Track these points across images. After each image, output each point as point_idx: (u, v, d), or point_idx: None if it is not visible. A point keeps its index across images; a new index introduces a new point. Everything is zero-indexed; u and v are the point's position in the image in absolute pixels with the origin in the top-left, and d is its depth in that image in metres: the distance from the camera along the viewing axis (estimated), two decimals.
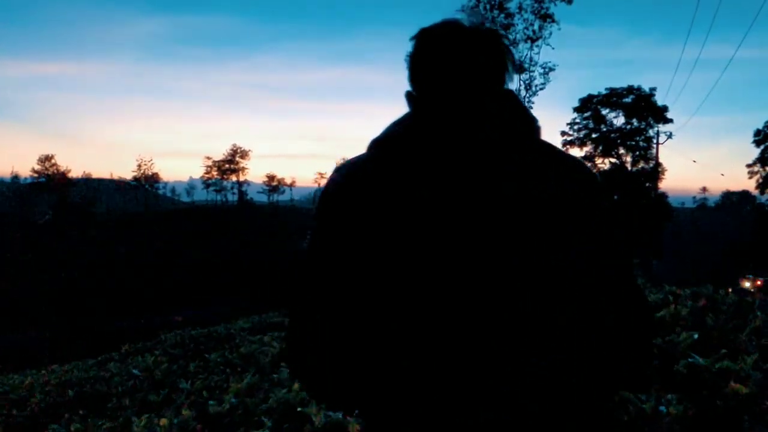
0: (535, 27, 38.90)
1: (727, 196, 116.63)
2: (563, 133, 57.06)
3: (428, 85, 1.12)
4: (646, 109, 51.52)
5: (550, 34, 38.95)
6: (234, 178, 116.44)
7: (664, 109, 51.09)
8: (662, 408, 2.60)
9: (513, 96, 1.15)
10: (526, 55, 38.92)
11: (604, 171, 50.13)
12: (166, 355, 8.04)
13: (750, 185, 71.08)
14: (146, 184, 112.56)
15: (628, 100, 51.78)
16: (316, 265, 1.11)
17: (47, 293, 45.22)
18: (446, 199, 1.03)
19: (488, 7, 38.97)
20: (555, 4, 38.62)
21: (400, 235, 1.03)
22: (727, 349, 3.33)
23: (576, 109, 59.27)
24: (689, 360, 3.01)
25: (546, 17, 39.83)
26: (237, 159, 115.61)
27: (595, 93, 55.64)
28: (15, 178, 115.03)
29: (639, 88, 51.73)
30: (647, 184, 50.67)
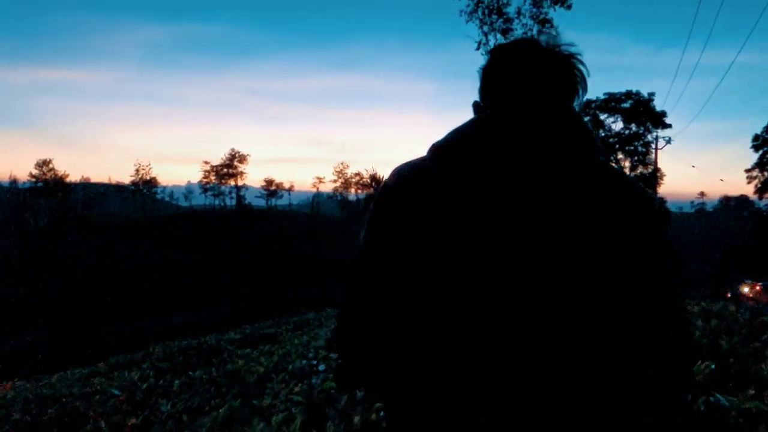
0: (534, 32, 38.98)
1: (726, 201, 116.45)
2: None
3: (495, 98, 1.15)
4: (644, 114, 51.46)
5: None
6: (232, 183, 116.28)
7: (663, 114, 51.03)
8: None
9: (576, 115, 1.16)
10: None
11: None
12: (153, 369, 7.78)
13: (748, 190, 71.04)
14: (144, 189, 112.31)
15: (626, 105, 51.74)
16: (369, 259, 1.14)
17: (44, 298, 44.93)
18: (494, 208, 1.05)
19: (486, 11, 39.05)
20: (554, 9, 38.74)
21: (448, 238, 1.05)
22: (748, 381, 3.04)
23: None
24: (710, 398, 2.72)
25: (545, 22, 39.84)
26: (235, 163, 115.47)
27: (594, 98, 55.62)
28: (13, 182, 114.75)
29: (637, 93, 51.69)
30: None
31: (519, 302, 1.01)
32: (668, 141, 49.51)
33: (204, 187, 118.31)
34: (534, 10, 40.66)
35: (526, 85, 1.12)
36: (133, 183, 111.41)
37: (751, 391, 2.94)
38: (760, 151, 69.08)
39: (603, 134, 51.95)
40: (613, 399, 1.03)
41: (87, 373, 9.29)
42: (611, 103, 51.92)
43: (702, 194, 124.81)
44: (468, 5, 40.71)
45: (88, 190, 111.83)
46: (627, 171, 51.23)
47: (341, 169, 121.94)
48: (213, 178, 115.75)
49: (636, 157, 51.46)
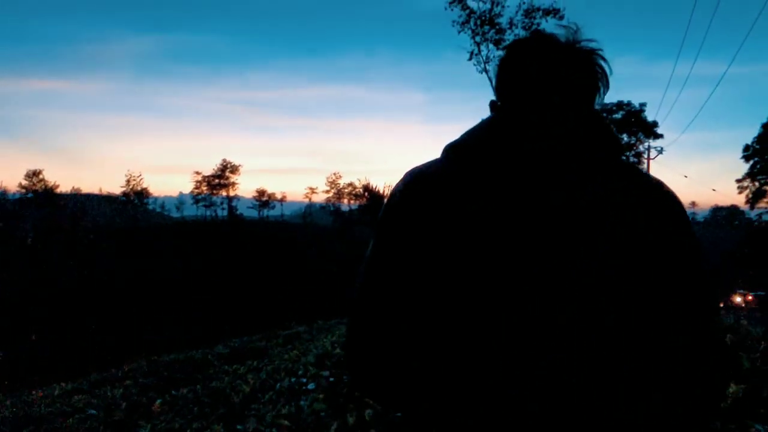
0: None
1: (716, 211, 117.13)
2: None
3: (514, 95, 1.11)
4: (636, 124, 51.69)
5: None
6: (224, 194, 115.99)
7: (654, 124, 51.27)
8: None
9: (601, 117, 1.12)
10: None
11: None
12: (136, 386, 7.50)
13: (739, 200, 71.41)
14: (135, 200, 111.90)
15: (617, 115, 51.93)
16: (380, 267, 1.10)
17: (32, 310, 44.34)
18: (497, 208, 1.03)
19: (479, 22, 39.12)
20: (546, 20, 38.83)
21: (460, 241, 1.03)
22: None
23: None
24: (749, 428, 2.44)
25: (539, 31, 39.81)
26: (227, 174, 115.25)
27: None
28: (3, 193, 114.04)
29: (629, 104, 51.94)
30: None
31: (519, 301, 1.00)
32: (660, 151, 49.77)
33: (195, 198, 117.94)
34: (526, 20, 40.57)
35: (536, 82, 1.08)
36: (124, 194, 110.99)
37: None
38: (751, 162, 69.50)
39: None
40: (613, 400, 1.00)
41: (70, 389, 8.98)
42: (602, 113, 51.94)
43: (693, 204, 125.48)
44: (460, 16, 40.33)
45: (78, 200, 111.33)
46: None
47: (334, 180, 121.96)
48: (204, 188, 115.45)
49: None
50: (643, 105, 51.92)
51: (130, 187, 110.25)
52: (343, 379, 4.69)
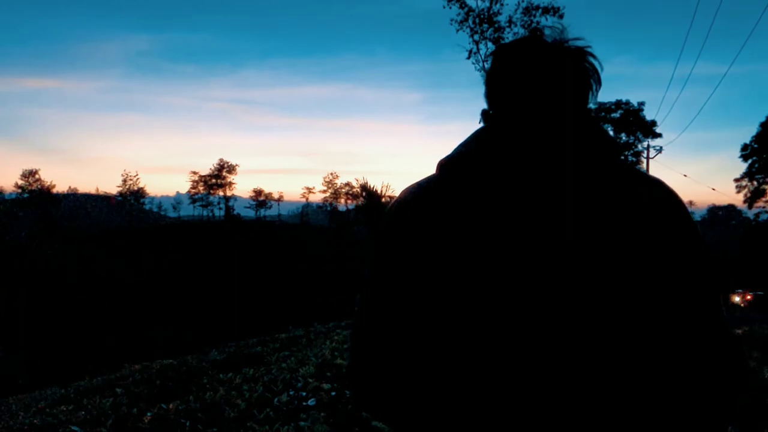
0: None
1: (714, 210, 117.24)
2: None
3: (504, 103, 1.09)
4: (634, 123, 51.57)
5: None
6: (221, 193, 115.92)
7: (653, 123, 51.15)
8: None
9: (592, 117, 1.10)
10: None
11: None
12: (127, 395, 7.15)
13: (737, 199, 71.42)
14: (132, 199, 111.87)
15: (616, 115, 51.83)
16: (379, 288, 1.07)
17: (25, 312, 43.93)
18: (504, 224, 0.99)
19: (477, 20, 38.86)
20: (546, 19, 38.57)
21: (466, 260, 0.99)
22: None
23: None
24: None
25: (536, 31, 39.69)
26: (224, 174, 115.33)
27: None
28: None
29: (627, 103, 51.81)
30: None
31: (527, 319, 0.96)
32: (659, 150, 49.71)
33: (192, 198, 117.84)
34: (525, 19, 40.48)
35: (526, 87, 1.06)
36: (120, 193, 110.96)
37: None
38: (749, 161, 69.57)
39: None
40: (630, 413, 0.97)
41: (57, 397, 8.61)
42: (601, 113, 52.06)
43: (690, 203, 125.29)
44: (459, 14, 40.32)
45: (74, 200, 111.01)
46: None
47: (331, 180, 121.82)
48: (201, 188, 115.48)
49: None
50: (641, 104, 51.83)
51: (127, 187, 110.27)
52: (345, 393, 4.38)
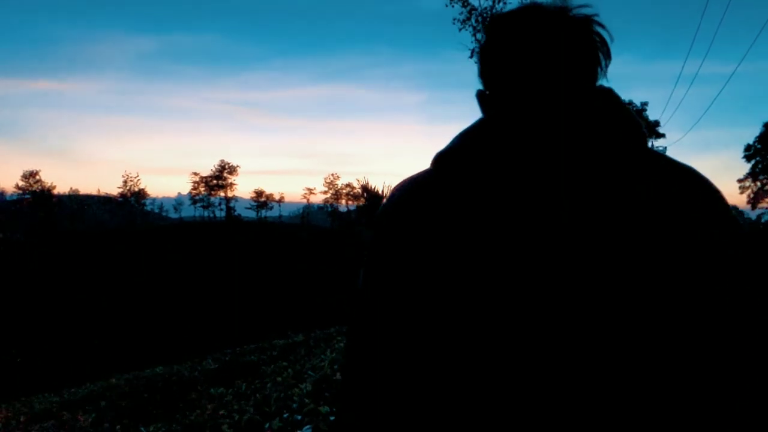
0: None
1: None
2: None
3: (500, 82, 0.96)
4: None
5: None
6: (222, 194, 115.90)
7: (656, 123, 50.81)
8: None
9: (612, 95, 0.97)
10: None
11: None
12: (111, 409, 6.68)
13: (740, 200, 70.96)
14: (133, 200, 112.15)
15: None
16: (372, 300, 0.96)
17: (23, 315, 43.54)
18: (510, 224, 0.88)
19: (480, 19, 38.55)
20: None
21: (468, 265, 0.88)
22: None
23: None
24: None
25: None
26: (225, 175, 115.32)
27: None
28: (0, 194, 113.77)
29: (630, 103, 51.53)
30: None
31: (542, 337, 0.84)
32: (663, 151, 49.42)
33: (194, 199, 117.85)
34: None
35: (529, 62, 0.92)
36: (122, 195, 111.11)
37: None
38: (753, 161, 69.26)
39: None
40: None
41: (38, 411, 8.11)
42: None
43: None
44: (461, 13, 40.24)
45: (75, 201, 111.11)
46: None
47: (332, 180, 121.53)
48: (202, 189, 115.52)
49: None
50: (644, 104, 51.57)
51: (128, 188, 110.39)
52: None
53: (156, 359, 17.14)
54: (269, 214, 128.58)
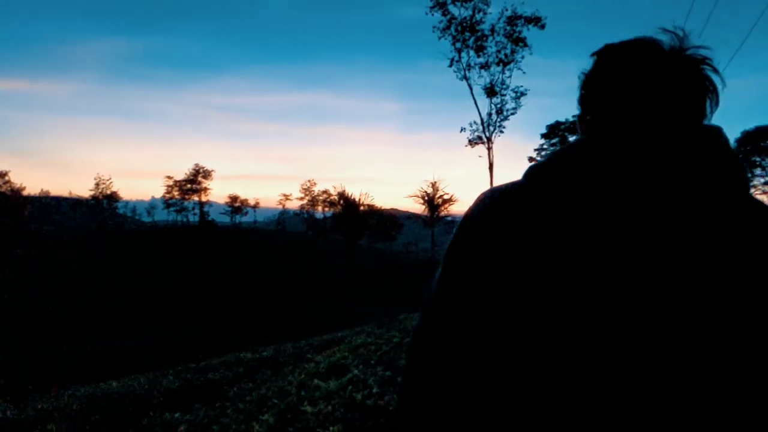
0: (508, 50, 38.53)
1: None
2: (530, 159, 57.60)
3: (609, 109, 0.96)
4: None
5: (523, 57, 38.56)
6: (196, 199, 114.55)
7: None
8: None
9: (721, 135, 0.95)
10: (498, 78, 38.38)
11: None
12: None
13: None
14: (105, 203, 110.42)
15: None
16: (449, 313, 0.93)
17: None
18: (627, 251, 0.85)
19: (459, 28, 38.46)
20: (528, 29, 38.33)
21: (557, 287, 0.86)
22: None
23: (543, 135, 60.47)
24: None
25: (518, 41, 39.48)
26: (199, 179, 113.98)
27: (563, 120, 56.83)
28: None
29: None
30: None
31: (652, 376, 0.81)
32: None
33: (167, 203, 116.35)
34: (508, 28, 40.06)
35: (641, 94, 0.92)
36: (93, 197, 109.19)
37: None
38: None
39: None
40: None
41: None
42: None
43: None
44: (441, 21, 40.00)
45: (46, 203, 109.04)
46: None
47: (308, 187, 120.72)
48: (176, 193, 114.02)
49: None
50: None
51: (99, 190, 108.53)
52: None
53: (120, 370, 16.44)
54: (244, 219, 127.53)
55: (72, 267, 61.37)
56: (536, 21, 37.50)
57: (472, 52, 37.63)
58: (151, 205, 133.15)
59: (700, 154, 0.89)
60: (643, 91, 0.92)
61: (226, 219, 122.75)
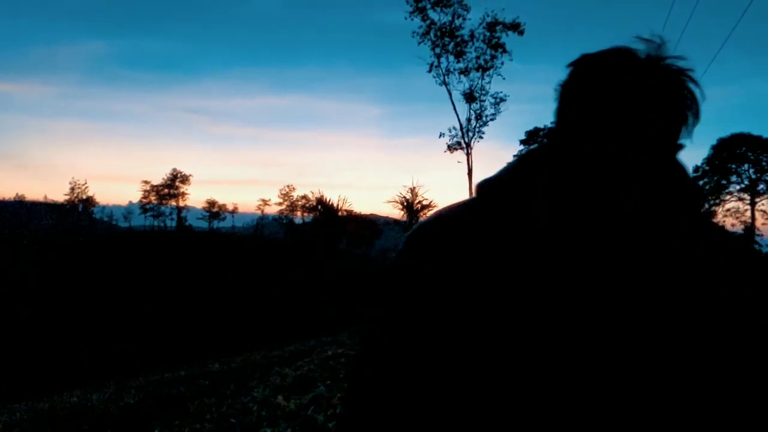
0: (487, 56, 38.58)
1: None
2: None
3: (576, 123, 0.93)
4: None
5: (502, 63, 38.65)
6: (173, 204, 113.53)
7: None
8: None
9: (677, 162, 0.98)
10: (478, 84, 38.40)
11: None
12: None
13: None
14: (81, 208, 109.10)
15: None
16: (388, 342, 0.91)
17: None
18: (571, 272, 0.86)
19: (439, 34, 38.47)
20: (507, 35, 38.45)
21: (503, 313, 0.85)
22: None
23: (522, 142, 60.98)
24: None
25: (498, 47, 39.58)
26: (177, 184, 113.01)
27: (542, 126, 57.49)
28: None
29: None
30: None
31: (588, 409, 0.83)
32: None
33: (144, 208, 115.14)
34: (487, 34, 39.98)
35: (612, 107, 0.87)
36: (68, 201, 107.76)
37: None
38: (701, 182, 71.31)
39: None
40: None
41: None
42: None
43: None
44: (420, 27, 39.77)
45: (20, 208, 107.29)
46: None
47: (287, 192, 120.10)
48: (153, 198, 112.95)
49: None
50: None
51: (75, 195, 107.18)
52: None
53: (84, 380, 15.96)
54: (222, 224, 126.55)
55: (41, 272, 60.26)
56: (515, 27, 37.63)
57: (451, 58, 37.68)
58: (128, 210, 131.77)
59: (667, 174, 0.89)
60: (620, 103, 0.87)
61: (204, 224, 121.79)
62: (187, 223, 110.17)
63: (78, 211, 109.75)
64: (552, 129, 0.96)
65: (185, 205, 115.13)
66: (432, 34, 37.27)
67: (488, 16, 37.22)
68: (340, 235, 74.02)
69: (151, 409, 7.46)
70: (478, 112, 38.35)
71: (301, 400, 5.32)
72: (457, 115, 39.60)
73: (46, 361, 26.93)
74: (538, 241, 0.86)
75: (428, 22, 36.74)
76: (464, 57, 38.08)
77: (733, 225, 65.96)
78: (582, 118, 0.90)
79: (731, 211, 70.00)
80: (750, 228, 58.84)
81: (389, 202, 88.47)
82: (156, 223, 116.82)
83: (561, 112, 0.94)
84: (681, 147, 0.92)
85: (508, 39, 38.28)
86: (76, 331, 38.65)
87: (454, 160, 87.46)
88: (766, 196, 67.84)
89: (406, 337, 0.89)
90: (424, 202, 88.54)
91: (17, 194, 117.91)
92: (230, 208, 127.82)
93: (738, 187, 68.14)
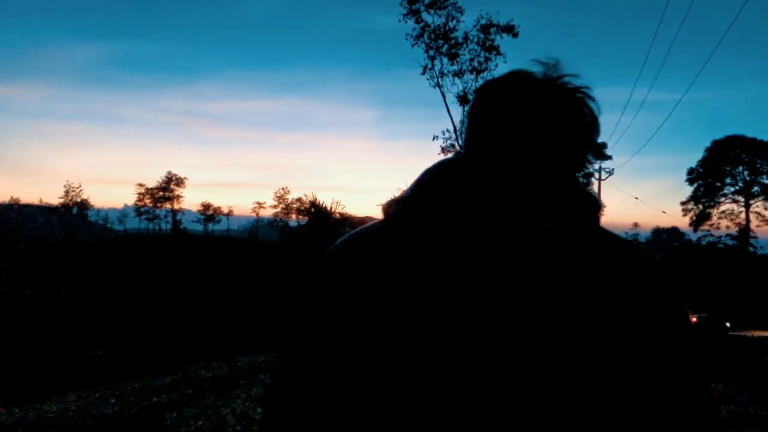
0: (481, 58, 38.39)
1: (658, 232, 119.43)
2: None
3: (478, 145, 0.97)
4: None
5: (496, 66, 38.43)
6: (168, 206, 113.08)
7: (603, 145, 51.74)
8: None
9: (573, 177, 0.99)
10: (472, 86, 38.21)
11: None
12: None
13: (682, 222, 72.84)
14: (75, 211, 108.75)
15: None
16: (296, 372, 0.94)
17: None
18: (461, 294, 0.87)
19: (433, 36, 38.28)
20: (501, 37, 38.27)
21: (398, 336, 0.87)
22: None
23: None
24: None
25: (492, 49, 39.40)
26: (172, 186, 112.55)
27: None
28: None
29: None
30: None
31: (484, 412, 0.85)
32: (611, 173, 50.44)
33: (139, 211, 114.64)
34: (481, 36, 39.74)
35: (509, 128, 0.91)
36: (63, 205, 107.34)
37: None
38: (695, 185, 71.15)
39: None
40: None
41: None
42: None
43: (636, 225, 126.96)
44: (414, 29, 39.41)
45: (14, 211, 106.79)
46: None
47: (282, 195, 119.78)
48: (148, 201, 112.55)
49: None
50: None
51: (69, 198, 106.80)
52: None
53: (69, 386, 15.66)
54: (217, 227, 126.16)
55: (37, 275, 59.96)
56: (510, 30, 37.42)
57: (445, 60, 37.40)
58: (123, 213, 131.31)
59: (551, 191, 0.90)
60: (520, 122, 0.90)
61: (199, 227, 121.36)
62: (182, 226, 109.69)
63: (73, 214, 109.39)
64: (458, 154, 0.98)
65: (180, 208, 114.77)
66: (426, 37, 37.07)
67: (482, 18, 37.00)
68: (333, 238, 73.74)
69: (128, 420, 7.22)
70: None
71: None
72: (451, 118, 39.36)
73: (43, 365, 26.66)
74: (443, 255, 0.86)
75: (422, 24, 36.57)
76: (458, 59, 37.91)
77: (727, 227, 65.85)
78: (488, 138, 0.92)
79: (726, 213, 69.90)
80: (744, 230, 58.73)
81: (382, 204, 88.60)
82: (151, 226, 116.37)
83: (469, 135, 0.96)
84: (585, 161, 0.93)
85: (502, 41, 38.17)
86: (72, 334, 38.34)
87: None
88: (760, 198, 67.83)
89: (308, 364, 0.90)
90: None
91: (12, 197, 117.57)
92: (225, 210, 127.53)
93: (732, 189, 68.08)
